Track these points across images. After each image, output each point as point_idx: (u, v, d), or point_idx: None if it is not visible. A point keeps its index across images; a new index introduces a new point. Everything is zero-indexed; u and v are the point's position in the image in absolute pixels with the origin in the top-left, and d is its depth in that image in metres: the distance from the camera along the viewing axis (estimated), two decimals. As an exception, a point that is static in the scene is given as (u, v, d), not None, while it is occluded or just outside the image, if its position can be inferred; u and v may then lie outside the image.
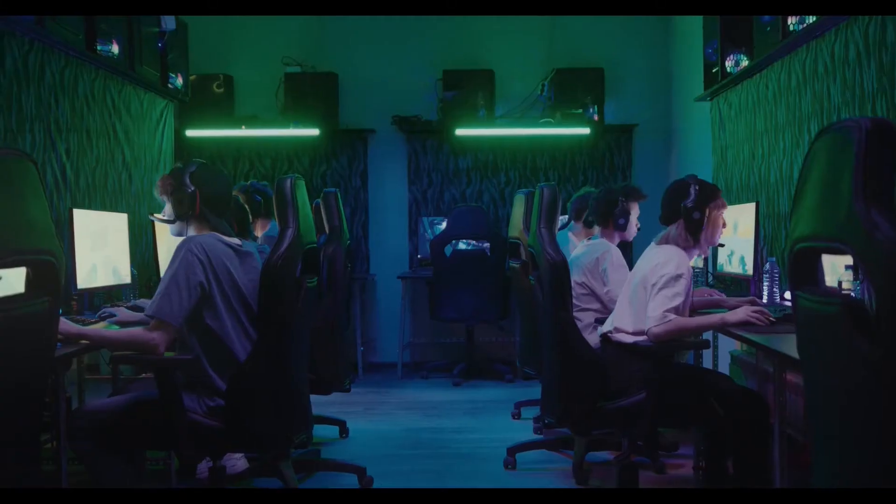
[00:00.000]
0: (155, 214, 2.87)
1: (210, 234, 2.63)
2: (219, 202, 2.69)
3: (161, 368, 2.50)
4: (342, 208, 3.92)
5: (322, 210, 3.87)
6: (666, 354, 2.83)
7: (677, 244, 2.95)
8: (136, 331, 2.60)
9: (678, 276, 2.83)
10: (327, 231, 3.84)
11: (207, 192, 2.65)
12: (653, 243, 3.04)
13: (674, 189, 3.00)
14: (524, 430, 4.35)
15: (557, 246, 3.08)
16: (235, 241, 2.68)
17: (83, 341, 2.56)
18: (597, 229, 3.72)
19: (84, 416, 2.52)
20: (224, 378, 2.56)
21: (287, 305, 2.59)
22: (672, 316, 2.77)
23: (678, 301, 2.81)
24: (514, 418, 4.64)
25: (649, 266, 2.92)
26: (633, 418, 2.89)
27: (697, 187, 2.95)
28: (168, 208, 2.70)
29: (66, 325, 2.48)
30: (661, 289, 2.82)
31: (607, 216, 3.64)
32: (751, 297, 3.30)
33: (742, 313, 2.76)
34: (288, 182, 2.62)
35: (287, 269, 2.57)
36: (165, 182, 2.68)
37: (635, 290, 2.98)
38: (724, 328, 2.85)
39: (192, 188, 2.63)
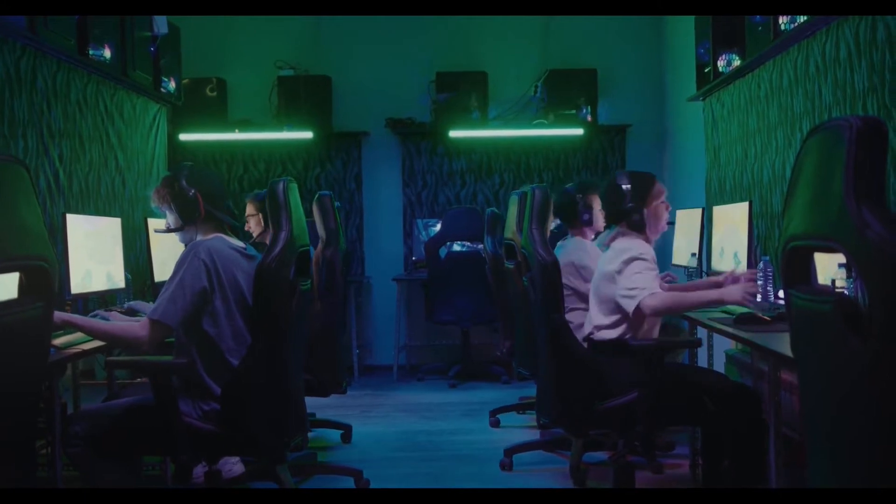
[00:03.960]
0: (157, 228, 2.86)
1: (216, 237, 2.64)
2: (219, 198, 2.72)
3: (157, 373, 2.49)
4: (337, 211, 3.91)
5: (317, 213, 3.86)
6: (658, 354, 2.83)
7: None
8: (126, 325, 2.60)
9: (641, 255, 2.84)
10: (324, 235, 3.82)
11: (207, 190, 2.67)
12: (604, 245, 3.08)
13: (609, 192, 3.03)
14: (521, 432, 4.35)
15: (549, 247, 3.09)
16: (240, 244, 2.69)
17: (70, 327, 2.56)
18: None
19: (79, 421, 2.52)
20: (219, 382, 2.56)
21: (281, 309, 2.58)
22: (658, 290, 2.77)
23: (654, 272, 2.82)
24: (492, 426, 4.53)
25: (607, 260, 2.95)
26: (628, 418, 2.90)
27: (629, 186, 2.97)
28: (171, 217, 2.70)
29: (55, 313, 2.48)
30: (628, 264, 2.82)
31: (572, 216, 3.65)
32: (730, 272, 3.27)
33: (738, 293, 2.73)
34: (280, 185, 2.63)
35: (281, 272, 2.57)
36: (162, 193, 2.69)
37: (597, 286, 3.00)
38: (720, 303, 2.83)
39: (193, 191, 2.64)
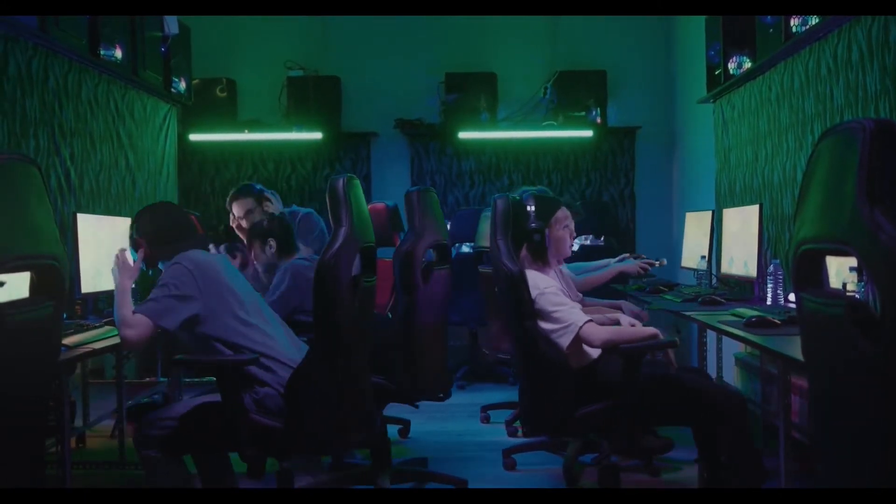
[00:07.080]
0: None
1: (192, 251, 2.70)
2: (166, 234, 2.74)
3: (223, 369, 2.51)
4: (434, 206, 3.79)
5: (406, 209, 3.69)
6: (637, 356, 2.75)
7: (528, 267, 2.94)
8: (131, 315, 2.59)
9: (546, 290, 2.82)
10: (406, 229, 3.68)
11: (151, 233, 2.72)
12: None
13: (514, 211, 3.00)
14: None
15: (514, 258, 2.95)
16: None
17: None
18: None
19: (151, 425, 2.54)
20: (263, 368, 2.56)
21: (341, 305, 2.54)
22: (586, 317, 2.79)
23: (568, 304, 2.82)
24: (482, 422, 4.67)
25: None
26: (610, 422, 2.82)
27: (533, 207, 2.95)
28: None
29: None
30: (549, 309, 2.81)
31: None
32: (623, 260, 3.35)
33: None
34: (341, 181, 2.56)
35: (340, 268, 2.52)
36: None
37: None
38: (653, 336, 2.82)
39: (138, 238, 2.72)
